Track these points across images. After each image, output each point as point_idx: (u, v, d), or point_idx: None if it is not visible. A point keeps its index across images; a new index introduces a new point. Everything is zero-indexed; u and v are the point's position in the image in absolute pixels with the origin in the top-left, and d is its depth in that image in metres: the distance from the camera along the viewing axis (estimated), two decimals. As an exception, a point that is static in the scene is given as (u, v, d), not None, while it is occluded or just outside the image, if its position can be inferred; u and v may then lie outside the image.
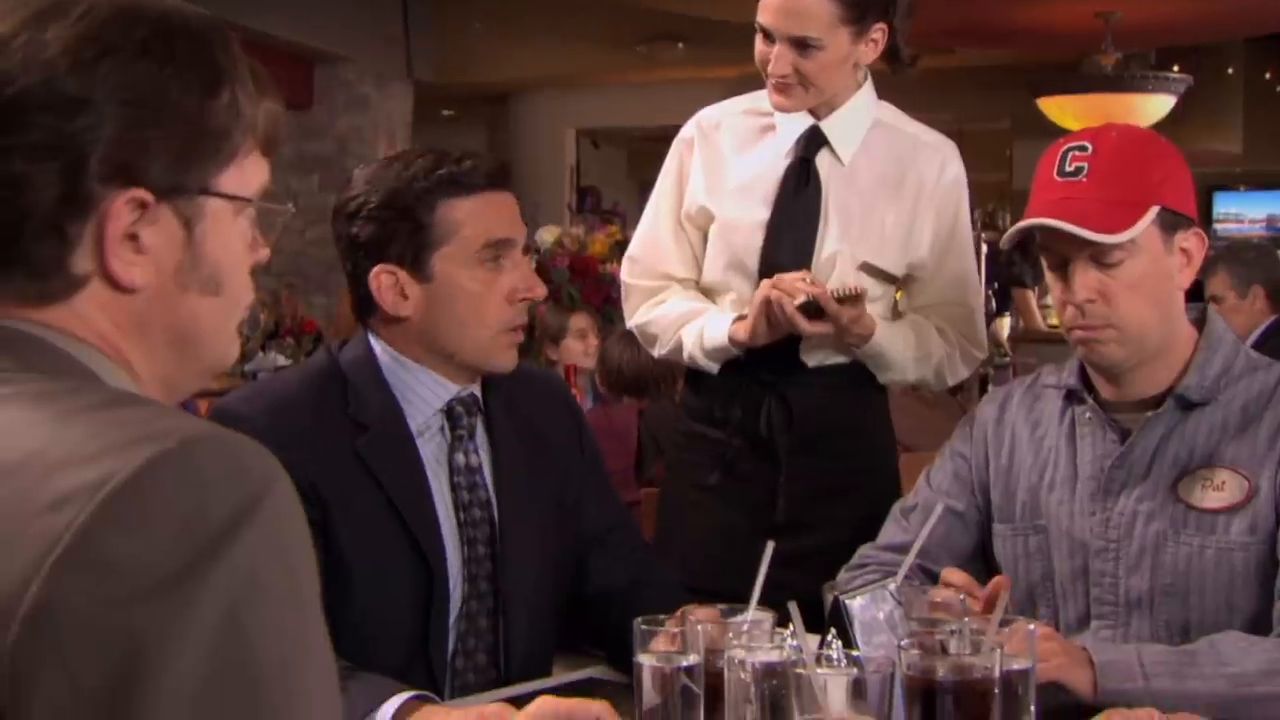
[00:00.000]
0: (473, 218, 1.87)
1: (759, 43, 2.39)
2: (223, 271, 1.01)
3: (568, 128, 12.98)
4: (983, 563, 2.04)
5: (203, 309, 1.01)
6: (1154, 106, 7.96)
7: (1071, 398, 1.97)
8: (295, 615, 0.84)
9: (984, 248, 6.48)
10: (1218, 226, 15.20)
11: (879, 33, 2.37)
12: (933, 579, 1.96)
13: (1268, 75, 11.54)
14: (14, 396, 0.88)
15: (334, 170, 10.07)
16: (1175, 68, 8.97)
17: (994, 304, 8.21)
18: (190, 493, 0.81)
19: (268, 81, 1.04)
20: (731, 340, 2.37)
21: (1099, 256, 1.83)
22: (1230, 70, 11.25)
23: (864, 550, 2.08)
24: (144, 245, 0.96)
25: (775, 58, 2.34)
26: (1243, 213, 14.86)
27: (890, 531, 2.07)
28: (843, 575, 2.04)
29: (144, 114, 0.94)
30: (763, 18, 2.36)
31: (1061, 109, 7.95)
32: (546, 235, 5.64)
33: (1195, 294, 5.02)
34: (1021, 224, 1.88)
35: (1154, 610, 1.86)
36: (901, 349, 2.40)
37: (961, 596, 1.63)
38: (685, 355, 2.46)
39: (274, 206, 1.06)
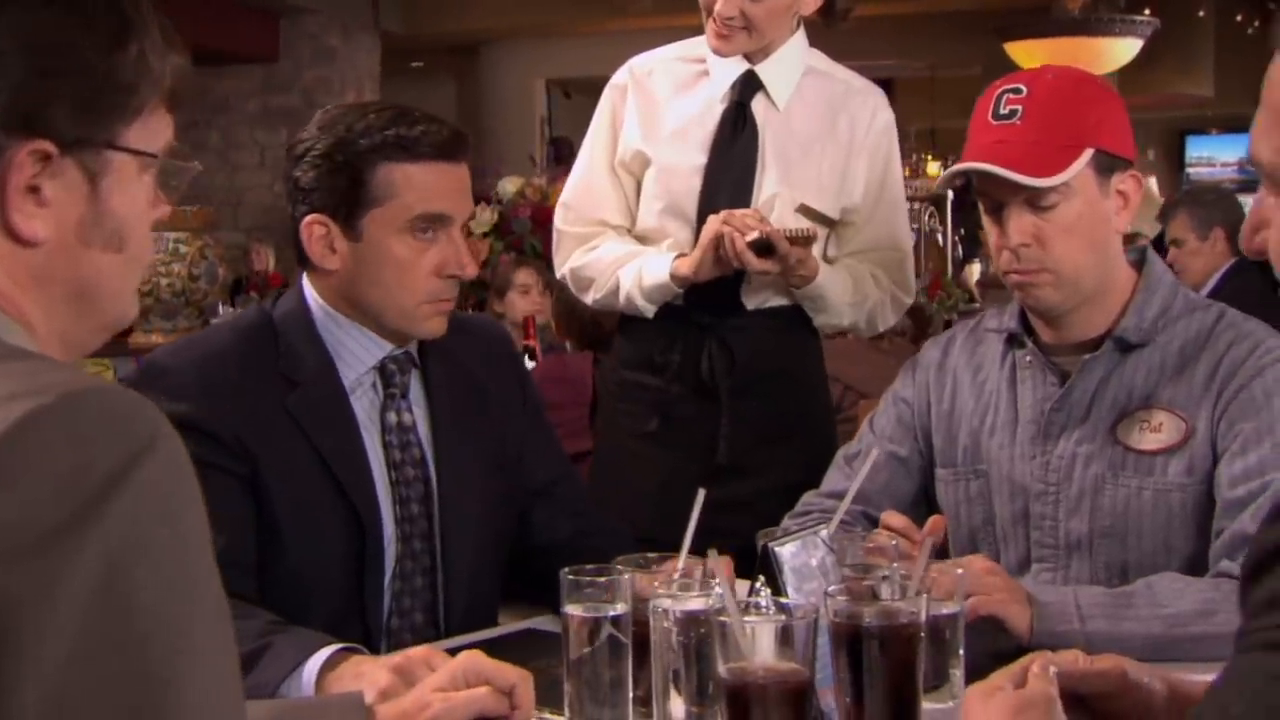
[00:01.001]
0: (412, 186, 1.81)
1: None
2: (126, 227, 1.00)
3: (538, 78, 12.89)
4: (925, 508, 2.04)
5: (105, 265, 0.99)
6: (1121, 50, 7.95)
7: (1012, 341, 1.97)
8: (180, 572, 0.82)
9: (949, 194, 6.46)
10: (1190, 171, 15.22)
11: None
12: (876, 525, 1.96)
13: (1239, 18, 11.49)
14: None
15: (301, 124, 9.83)
16: (1146, 11, 8.93)
17: (961, 250, 8.21)
18: (68, 448, 0.79)
19: (175, 37, 1.02)
20: (673, 277, 2.38)
21: (1033, 200, 1.82)
22: (1201, 13, 11.22)
23: (807, 497, 2.08)
24: (46, 198, 0.94)
25: (723, 0, 2.34)
26: (1214, 156, 14.87)
27: (833, 478, 2.07)
28: (786, 522, 2.04)
29: (49, 63, 0.92)
30: None
31: (1030, 53, 7.92)
32: (509, 185, 5.61)
33: (1158, 242, 5.03)
34: (954, 168, 1.87)
35: (1093, 552, 1.87)
36: (839, 292, 2.42)
37: (895, 541, 1.62)
38: (622, 297, 2.45)
39: (182, 164, 1.04)
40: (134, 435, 0.82)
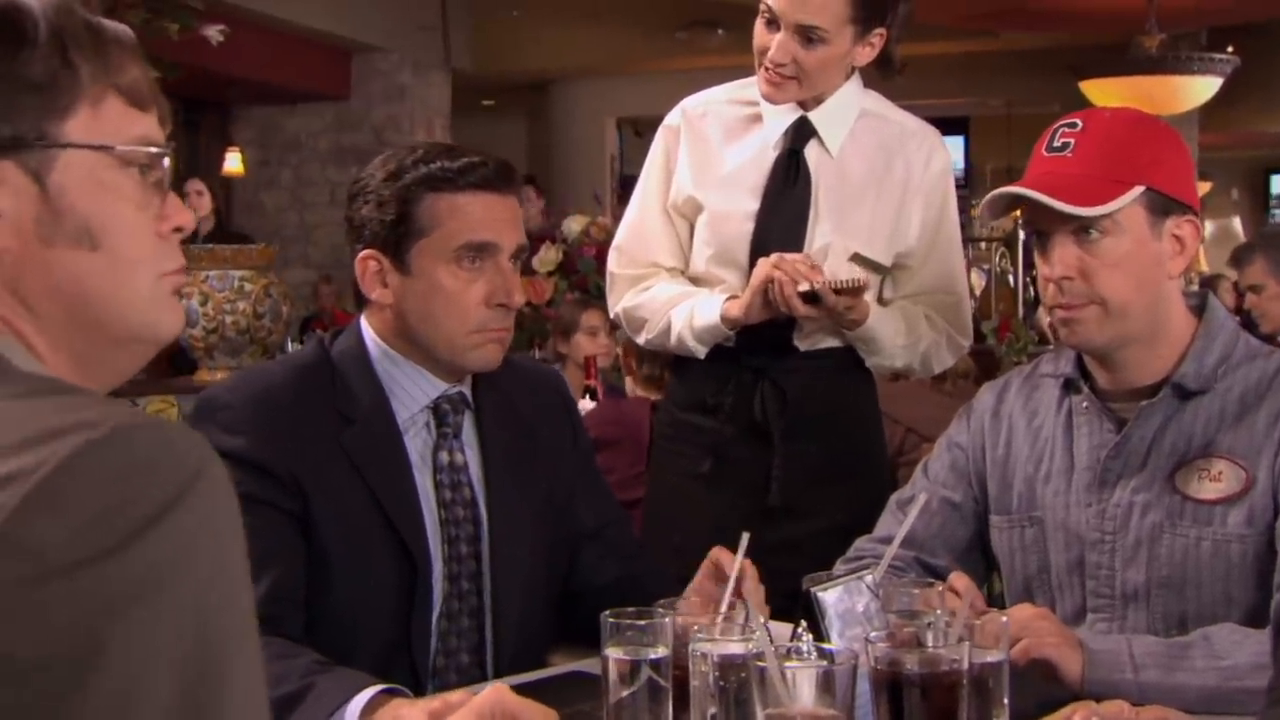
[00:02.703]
0: (456, 215, 1.86)
1: (760, 28, 2.39)
2: (95, 223, 0.99)
3: (609, 116, 13.00)
4: (981, 555, 2.04)
5: (81, 265, 0.99)
6: (1200, 88, 7.86)
7: (1069, 387, 1.96)
8: (217, 603, 0.85)
9: (1019, 235, 6.42)
10: (1277, 211, 15.00)
11: (878, 38, 2.41)
12: (931, 571, 1.96)
13: (1324, 54, 11.36)
14: None
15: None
16: (1230, 48, 8.84)
17: (1033, 291, 8.15)
18: (118, 480, 0.82)
19: (118, 34, 1.03)
20: (724, 319, 2.39)
21: (1078, 231, 1.82)
22: (1283, 50, 11.09)
23: (859, 542, 2.07)
24: None
25: (777, 45, 2.35)
26: (1300, 195, 14.67)
27: (886, 523, 2.06)
28: (839, 566, 2.04)
29: None
30: (773, 1, 2.36)
31: (1104, 92, 7.86)
32: (574, 224, 5.66)
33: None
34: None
35: (1150, 603, 1.85)
36: (891, 334, 2.43)
37: (941, 588, 1.62)
38: (673, 338, 2.47)
39: (137, 149, 1.02)
40: (181, 469, 0.84)
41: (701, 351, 2.46)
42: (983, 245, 8.07)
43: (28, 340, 0.98)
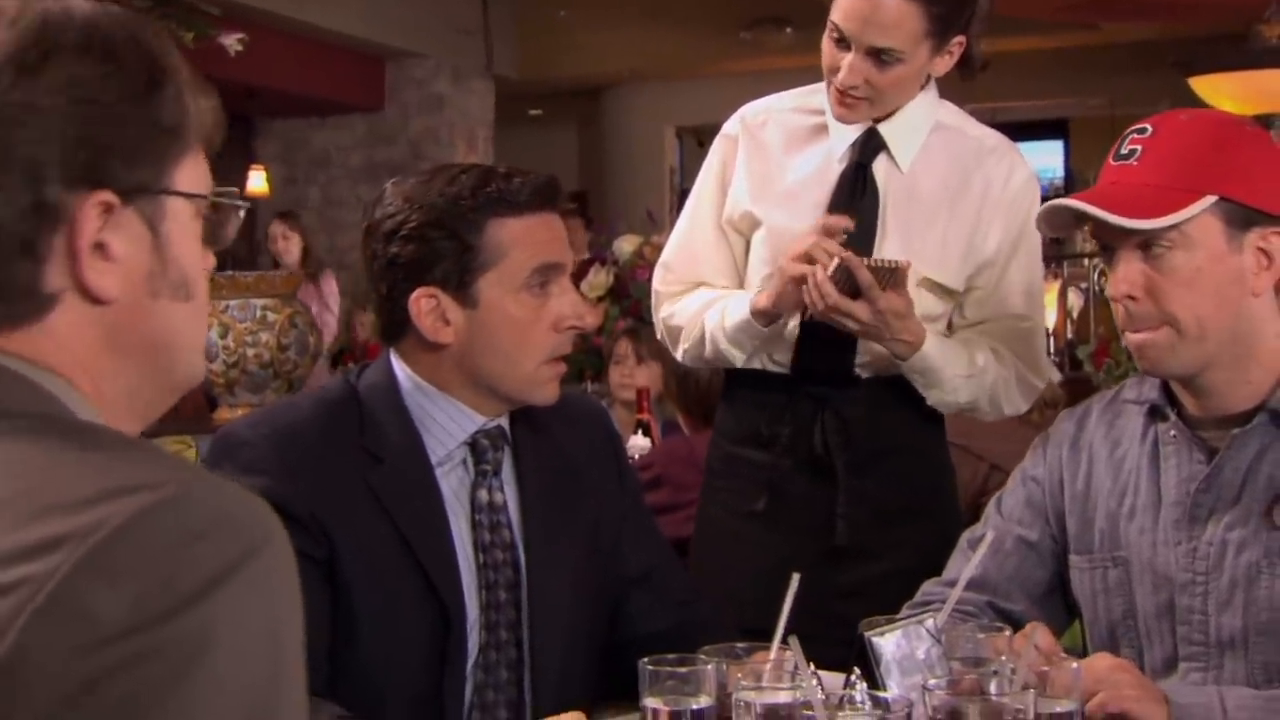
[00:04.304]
0: (522, 240, 1.93)
1: (829, 45, 2.40)
2: (190, 275, 1.08)
3: (667, 125, 13.06)
4: (1061, 599, 2.06)
5: (177, 317, 1.07)
6: (1328, 84, 7.77)
7: (1154, 414, 1.98)
8: (265, 676, 0.90)
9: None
10: None
11: (956, 46, 2.42)
12: (1005, 617, 1.99)
13: None
14: None
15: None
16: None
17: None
18: (177, 547, 0.87)
19: (203, 79, 1.11)
20: (754, 312, 2.40)
21: (1144, 246, 1.84)
22: None
23: (927, 586, 2.11)
24: (113, 252, 1.02)
25: (848, 68, 2.36)
26: None
27: (957, 564, 2.09)
28: (905, 611, 2.07)
29: (95, 112, 1.01)
30: (841, 20, 2.36)
31: (1218, 89, 7.79)
32: (626, 245, 5.71)
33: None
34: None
35: (1249, 651, 1.86)
36: (953, 365, 2.42)
37: (1007, 632, 1.66)
38: (708, 344, 2.49)
39: (232, 201, 1.13)
40: (241, 538, 0.90)
41: (739, 358, 2.47)
42: (1084, 262, 8.03)
43: (95, 387, 1.04)
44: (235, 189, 1.14)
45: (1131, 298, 1.86)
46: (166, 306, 1.06)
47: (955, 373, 2.43)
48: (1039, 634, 1.77)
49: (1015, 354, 2.51)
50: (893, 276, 2.30)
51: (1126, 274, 1.86)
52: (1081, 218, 1.91)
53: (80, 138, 1.00)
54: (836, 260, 2.28)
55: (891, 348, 2.38)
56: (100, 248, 1.02)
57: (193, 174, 1.08)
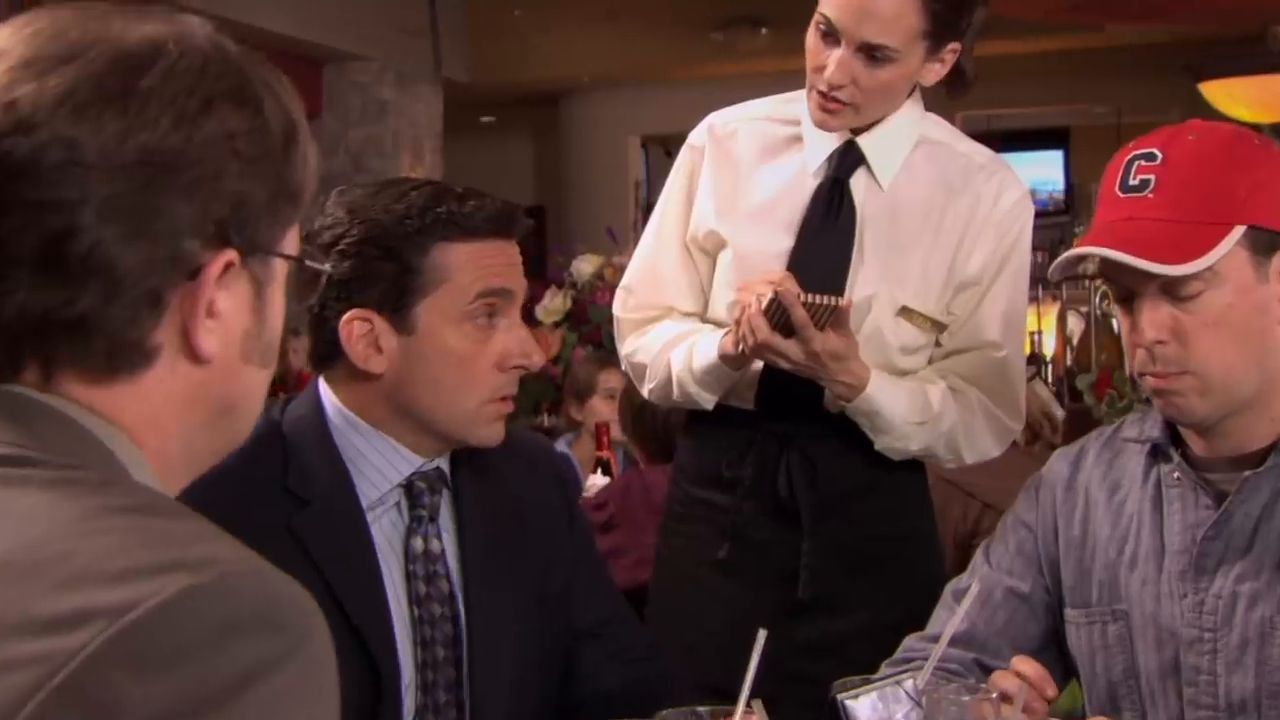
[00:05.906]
0: (468, 264, 1.92)
1: (814, 40, 2.39)
2: (275, 340, 1.11)
3: (631, 134, 13.09)
4: (1057, 656, 2.05)
5: (256, 382, 1.11)
6: (1348, 90, 7.86)
7: (1156, 454, 1.99)
8: None
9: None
10: None
11: (950, 53, 2.42)
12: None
13: None
14: (37, 481, 0.95)
15: (348, 192, 10.18)
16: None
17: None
18: (214, 638, 0.87)
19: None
20: (721, 356, 2.40)
21: (1171, 289, 1.83)
22: None
23: (909, 642, 2.10)
24: (219, 311, 1.04)
25: (835, 64, 2.36)
26: None
27: (941, 618, 2.09)
28: (884, 670, 2.07)
29: (241, 168, 1.03)
30: (833, 11, 2.36)
31: (1230, 95, 7.89)
32: (585, 266, 5.71)
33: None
34: (1068, 253, 1.90)
35: (1262, 716, 1.86)
36: (903, 410, 2.41)
37: (995, 694, 1.65)
38: (675, 387, 2.49)
39: (319, 266, 1.17)
40: (282, 634, 0.90)
41: (708, 401, 2.48)
42: (1085, 284, 8.07)
43: (154, 444, 1.06)
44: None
45: (1161, 342, 1.85)
46: (253, 372, 1.09)
47: (905, 419, 2.42)
48: (1025, 664, 1.77)
49: (987, 389, 2.50)
50: (832, 315, 2.29)
51: (1154, 319, 1.85)
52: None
53: (224, 193, 1.02)
54: (771, 294, 2.27)
55: (832, 389, 2.39)
56: (209, 305, 1.04)
57: (295, 234, 1.11)
